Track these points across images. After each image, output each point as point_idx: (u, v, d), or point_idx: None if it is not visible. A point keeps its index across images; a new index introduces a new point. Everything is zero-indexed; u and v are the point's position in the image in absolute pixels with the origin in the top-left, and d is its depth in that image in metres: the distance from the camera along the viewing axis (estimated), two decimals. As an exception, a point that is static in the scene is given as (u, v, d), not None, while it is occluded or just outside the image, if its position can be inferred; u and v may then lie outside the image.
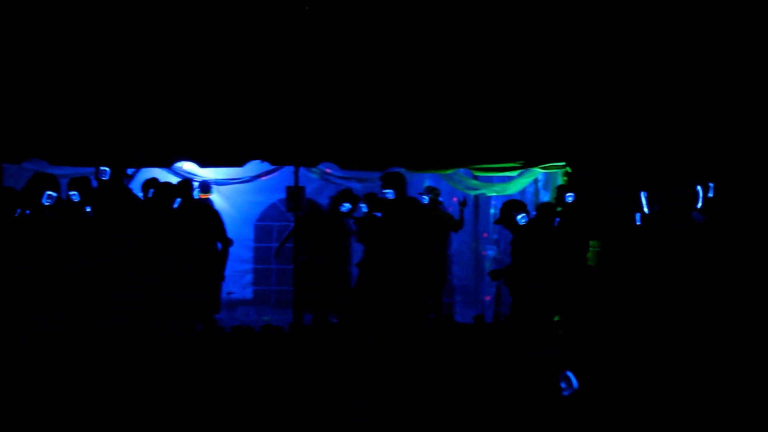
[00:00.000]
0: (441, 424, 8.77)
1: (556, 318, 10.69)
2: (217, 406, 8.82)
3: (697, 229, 8.96)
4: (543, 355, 9.37)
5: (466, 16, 12.76)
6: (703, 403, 7.93)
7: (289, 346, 10.08)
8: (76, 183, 11.13)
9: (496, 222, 11.58)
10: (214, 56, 12.17)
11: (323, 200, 13.31)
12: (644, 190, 9.53)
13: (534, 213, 11.63)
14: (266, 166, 12.40)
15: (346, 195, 11.92)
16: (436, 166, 12.21)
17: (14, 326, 9.85)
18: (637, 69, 12.37)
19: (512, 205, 11.12)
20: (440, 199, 12.37)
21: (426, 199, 12.15)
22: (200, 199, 12.03)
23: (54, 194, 10.55)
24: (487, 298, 13.37)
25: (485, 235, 13.60)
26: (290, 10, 12.73)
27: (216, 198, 12.97)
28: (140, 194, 11.56)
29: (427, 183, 13.08)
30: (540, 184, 12.66)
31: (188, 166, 12.48)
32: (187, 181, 11.59)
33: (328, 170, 12.75)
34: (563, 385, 8.26)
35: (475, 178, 12.75)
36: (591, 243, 11.31)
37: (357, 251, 12.22)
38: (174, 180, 11.90)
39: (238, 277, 14.07)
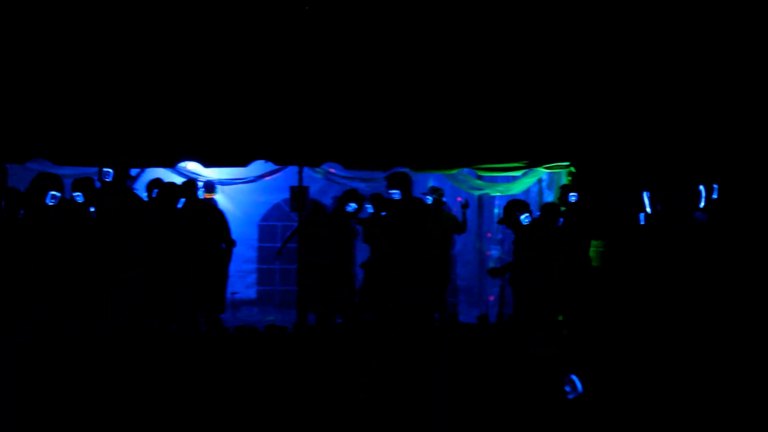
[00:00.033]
0: (441, 424, 8.77)
1: (560, 318, 10.67)
2: (217, 406, 8.83)
3: (700, 228, 8.96)
4: (543, 355, 9.36)
5: (470, 16, 12.73)
6: (707, 402, 7.92)
7: (292, 347, 10.08)
8: (80, 184, 11.13)
9: (500, 222, 11.57)
10: (218, 56, 12.16)
11: (327, 200, 13.31)
12: (647, 190, 9.53)
13: (538, 213, 11.62)
14: (270, 166, 12.41)
15: (352, 195, 11.92)
16: (440, 166, 12.19)
17: (14, 326, 9.87)
18: (642, 69, 12.34)
19: (515, 205, 11.12)
20: (444, 199, 12.35)
21: (430, 199, 12.14)
22: (205, 200, 12.03)
23: (58, 194, 10.58)
24: (491, 298, 13.36)
25: (489, 235, 13.59)
26: (294, 10, 12.72)
27: (220, 198, 12.97)
28: (145, 194, 11.58)
29: (431, 183, 13.06)
30: (544, 184, 12.64)
31: (192, 166, 12.50)
32: (191, 182, 11.59)
33: (332, 170, 12.75)
34: (568, 388, 8.27)
35: (479, 178, 12.74)
36: (594, 242, 11.29)
37: (361, 251, 12.21)
38: (178, 180, 11.91)
39: (242, 277, 14.06)
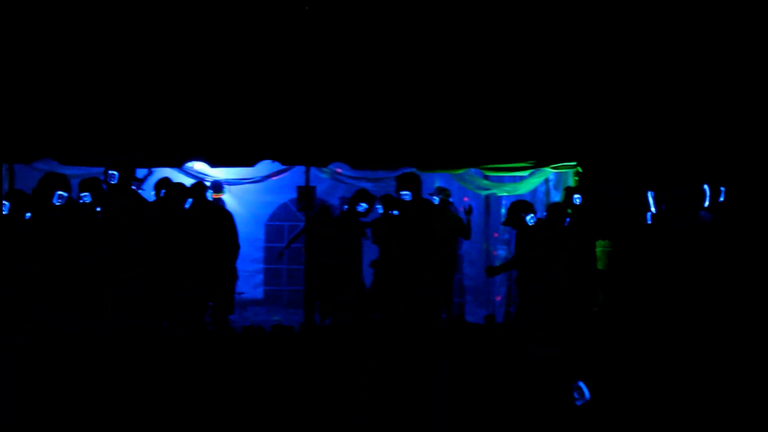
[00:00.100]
0: (441, 424, 8.76)
1: (565, 318, 10.65)
2: (217, 406, 8.82)
3: (706, 228, 8.93)
4: (543, 355, 9.35)
5: (477, 16, 12.72)
6: (714, 403, 7.89)
7: (298, 347, 10.07)
8: (87, 184, 11.13)
9: (505, 224, 11.54)
10: (225, 57, 12.17)
11: (334, 200, 13.32)
12: (653, 190, 9.51)
13: (545, 213, 11.60)
14: (277, 166, 12.39)
15: (363, 195, 11.91)
16: (447, 166, 12.18)
17: (14, 326, 9.87)
18: (648, 69, 12.32)
19: (521, 206, 11.10)
20: (450, 199, 12.34)
21: (437, 199, 12.13)
22: (214, 202, 12.02)
23: (65, 194, 10.59)
24: (498, 298, 13.34)
25: (496, 235, 13.56)
26: (301, 10, 12.72)
27: (227, 198, 12.98)
28: (152, 195, 11.58)
29: (437, 183, 13.04)
30: (551, 184, 12.62)
31: (199, 166, 12.50)
32: (200, 184, 11.58)
33: (339, 170, 12.73)
34: (576, 395, 8.25)
35: (486, 178, 12.72)
36: (601, 243, 11.27)
37: (369, 251, 12.19)
38: (186, 181, 11.92)
39: (248, 276, 14.07)
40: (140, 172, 12.49)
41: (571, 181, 11.96)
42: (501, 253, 13.30)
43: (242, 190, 13.67)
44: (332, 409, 8.82)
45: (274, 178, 13.04)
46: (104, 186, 11.21)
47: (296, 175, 12.56)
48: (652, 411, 8.08)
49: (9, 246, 10.08)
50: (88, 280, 10.39)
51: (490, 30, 12.74)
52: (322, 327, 11.80)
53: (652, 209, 10.07)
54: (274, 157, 11.91)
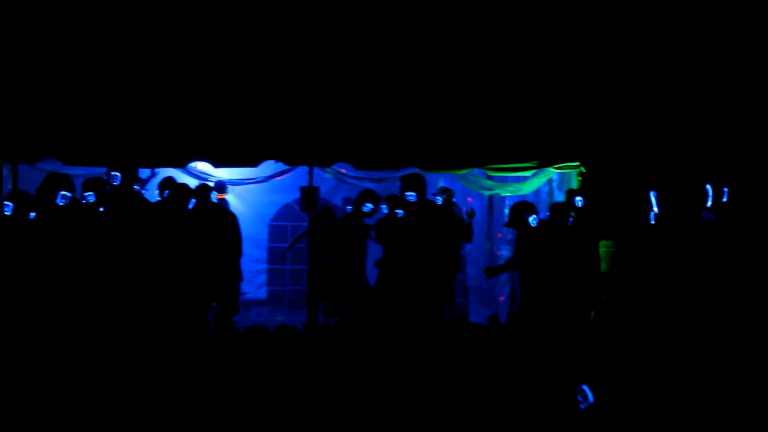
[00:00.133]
0: (441, 424, 8.76)
1: (566, 318, 10.64)
2: (217, 406, 8.83)
3: (708, 228, 8.90)
4: (543, 355, 9.35)
5: (480, 16, 12.71)
6: (718, 403, 7.88)
7: (302, 347, 10.07)
8: (91, 183, 11.14)
9: (507, 224, 11.52)
10: (228, 57, 12.17)
11: (337, 200, 13.31)
12: (655, 190, 9.48)
13: (548, 214, 11.59)
14: (280, 166, 12.41)
15: (368, 195, 11.91)
16: (450, 166, 12.17)
17: (14, 326, 9.88)
18: (652, 69, 12.30)
19: (523, 207, 11.10)
20: (453, 199, 12.33)
21: (440, 199, 12.12)
22: (219, 204, 12.03)
23: (68, 194, 10.60)
24: (502, 298, 13.34)
25: (499, 235, 13.56)
26: (304, 10, 12.72)
27: (230, 198, 12.99)
28: (156, 196, 11.58)
29: (441, 183, 13.04)
30: (554, 184, 12.61)
31: (203, 167, 12.52)
32: (205, 185, 11.58)
33: (343, 170, 12.74)
34: (579, 398, 8.25)
35: (490, 178, 12.72)
36: (604, 243, 11.25)
37: (374, 251, 12.19)
38: (190, 180, 11.93)
39: (252, 277, 14.08)
40: (144, 173, 12.51)
41: (575, 182, 11.95)
42: (504, 253, 13.29)
43: (246, 190, 13.69)
44: (332, 409, 8.82)
45: (278, 178, 13.07)
46: (107, 187, 11.21)
47: (299, 175, 12.58)
48: (659, 413, 8.08)
49: (10, 246, 10.09)
50: (88, 280, 10.39)
51: (494, 30, 12.72)
52: (326, 327, 11.81)
53: (655, 209, 10.05)
54: (277, 157, 11.91)
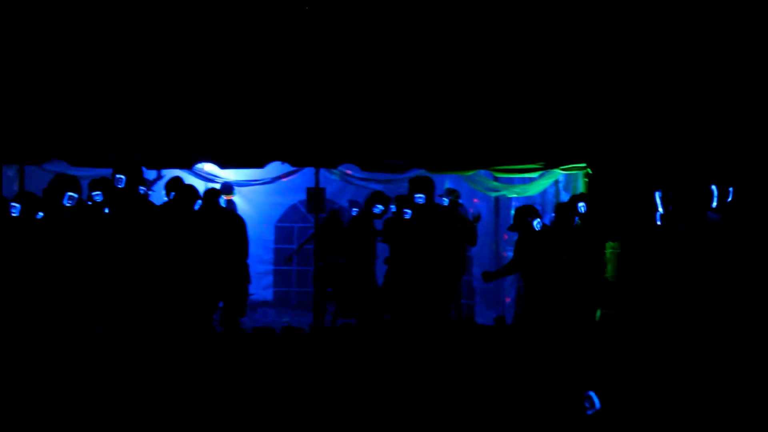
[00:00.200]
0: (441, 424, 8.75)
1: (566, 318, 10.61)
2: (216, 406, 8.83)
3: (713, 229, 8.88)
4: (543, 355, 9.33)
5: (485, 17, 12.71)
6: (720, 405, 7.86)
7: (308, 348, 10.07)
8: (99, 183, 11.17)
9: (511, 228, 11.48)
10: (234, 58, 12.18)
11: (343, 201, 13.31)
12: (660, 190, 9.44)
13: (553, 215, 11.57)
14: (287, 167, 12.41)
15: (379, 197, 11.91)
16: (456, 167, 12.16)
17: (14, 326, 9.88)
18: (659, 70, 12.28)
19: (527, 211, 11.10)
20: (460, 200, 12.32)
21: (446, 201, 12.11)
22: (227, 208, 12.04)
23: (75, 195, 10.62)
24: (508, 299, 13.32)
25: (505, 236, 13.54)
26: (310, 12, 12.73)
27: (237, 199, 13.00)
28: (164, 195, 11.59)
29: (447, 185, 13.03)
30: (561, 185, 12.59)
31: (209, 168, 12.53)
32: (213, 190, 11.58)
33: (349, 171, 12.75)
34: (586, 404, 8.24)
35: (496, 179, 12.71)
36: (610, 245, 11.22)
37: (383, 252, 12.19)
38: (196, 182, 11.94)
39: (258, 278, 14.07)
40: (150, 175, 12.51)
41: (581, 183, 11.92)
42: (510, 254, 13.27)
43: (252, 191, 13.71)
44: (332, 409, 8.82)
45: (284, 180, 13.08)
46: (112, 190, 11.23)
47: (306, 176, 12.58)
48: (667, 417, 8.05)
49: (11, 246, 10.11)
50: (88, 280, 10.39)
51: (500, 31, 12.72)
52: (333, 329, 11.81)
53: (660, 209, 10.01)
54: (283, 159, 11.91)
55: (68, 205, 10.56)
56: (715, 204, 9.02)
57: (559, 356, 9.26)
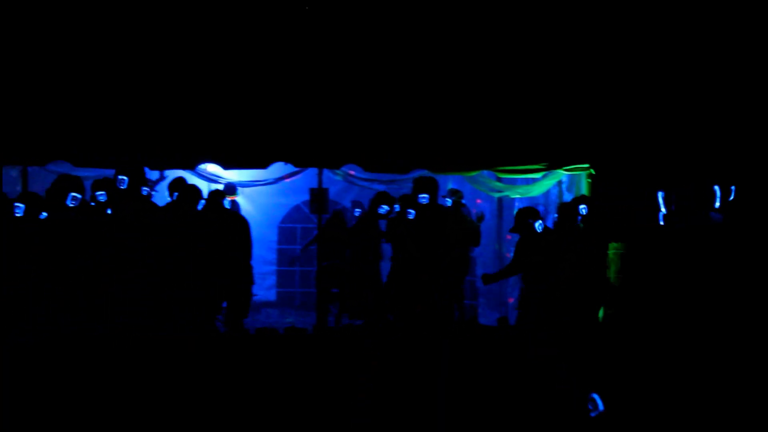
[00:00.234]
0: (441, 424, 8.75)
1: (566, 318, 10.61)
2: (215, 406, 8.83)
3: (716, 230, 8.87)
4: (543, 355, 9.33)
5: (489, 18, 12.71)
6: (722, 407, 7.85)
7: (311, 349, 10.07)
8: (102, 184, 11.19)
9: (512, 230, 11.47)
10: (237, 59, 12.19)
11: (346, 202, 13.31)
12: (663, 190, 9.44)
13: (556, 215, 11.57)
14: (290, 168, 12.40)
15: (384, 197, 11.91)
16: (459, 168, 12.14)
17: (14, 326, 9.89)
18: (661, 70, 12.28)
19: (528, 213, 11.09)
20: (463, 201, 12.31)
21: (449, 201, 12.11)
22: (231, 209, 12.04)
23: (78, 196, 10.63)
24: (511, 300, 13.31)
25: (509, 237, 13.52)
26: (314, 13, 12.74)
27: (240, 200, 13.01)
28: (167, 196, 11.60)
29: (450, 185, 13.03)
30: (564, 186, 12.58)
31: (212, 169, 12.53)
32: (218, 191, 11.58)
33: (352, 172, 12.75)
34: (590, 406, 8.24)
35: (499, 180, 12.70)
36: (614, 245, 11.21)
37: (389, 251, 12.19)
38: (199, 183, 11.94)
39: (261, 279, 14.08)
40: (153, 175, 12.52)
41: (584, 183, 11.91)
42: (513, 255, 13.29)
43: (255, 192, 13.71)
44: (332, 409, 8.82)
45: (287, 180, 13.08)
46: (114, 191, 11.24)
47: (309, 177, 12.59)
48: (670, 418, 8.05)
49: (12, 246, 10.13)
50: (88, 280, 10.39)
51: (504, 32, 12.72)
52: (336, 329, 11.81)
53: (663, 209, 10.00)
54: (286, 159, 11.90)
55: (71, 205, 10.57)
56: (717, 204, 9.01)
57: (559, 356, 9.26)
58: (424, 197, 11.34)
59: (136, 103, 11.62)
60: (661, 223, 10.20)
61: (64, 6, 12.08)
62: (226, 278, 11.09)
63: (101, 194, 11.03)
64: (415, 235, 11.29)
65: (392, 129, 11.89)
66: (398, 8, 12.68)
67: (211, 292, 10.94)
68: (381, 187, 12.73)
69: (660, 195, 9.69)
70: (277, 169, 12.50)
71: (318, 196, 12.11)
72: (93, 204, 11.08)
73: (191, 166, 12.09)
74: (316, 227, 12.56)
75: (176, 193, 11.22)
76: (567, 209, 11.30)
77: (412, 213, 11.42)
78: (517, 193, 12.87)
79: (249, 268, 11.65)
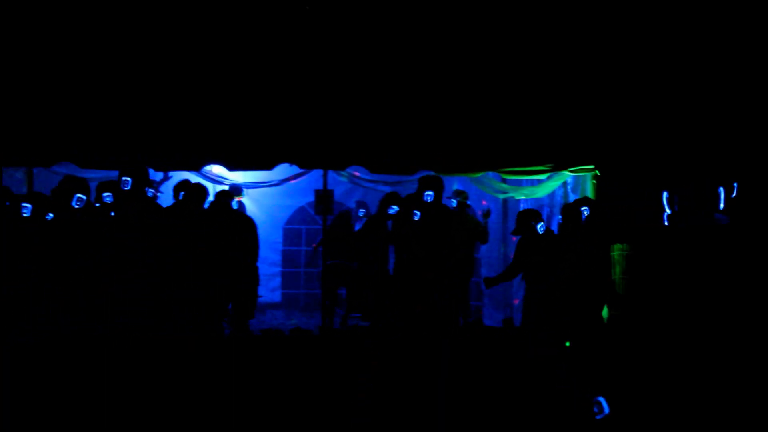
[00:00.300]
0: (441, 424, 8.75)
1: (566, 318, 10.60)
2: (215, 406, 8.83)
3: (721, 230, 8.86)
4: (543, 355, 9.33)
5: (495, 20, 12.71)
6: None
7: (315, 350, 10.07)
8: (108, 185, 11.21)
9: (514, 233, 11.46)
10: (243, 60, 12.20)
11: (351, 203, 13.30)
12: (667, 191, 9.45)
13: (560, 217, 11.56)
14: (295, 169, 12.40)
15: (394, 198, 11.90)
16: (465, 169, 12.13)
17: (14, 326, 9.91)
18: (667, 73, 12.27)
19: (530, 215, 11.12)
20: (468, 202, 12.30)
21: (454, 202, 12.10)
22: (238, 210, 12.04)
23: (84, 197, 10.67)
24: (516, 301, 13.28)
25: (514, 239, 13.52)
26: (320, 15, 12.75)
27: (245, 201, 13.01)
28: (171, 198, 11.61)
29: (455, 186, 13.01)
30: (569, 187, 12.55)
31: (217, 170, 12.53)
32: (225, 192, 11.58)
33: (357, 173, 12.74)
34: (595, 409, 8.25)
35: (504, 181, 12.68)
36: (618, 246, 11.20)
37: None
38: (204, 184, 11.94)
39: (266, 280, 14.05)
40: (157, 177, 12.51)
41: (589, 185, 11.90)
42: (518, 257, 13.26)
43: (260, 193, 13.71)
44: (332, 409, 8.83)
45: (292, 182, 13.06)
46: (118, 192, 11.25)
47: (314, 178, 12.57)
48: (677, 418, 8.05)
49: (14, 246, 10.15)
50: (88, 280, 10.40)
51: (509, 34, 12.72)
52: (341, 330, 11.81)
53: (667, 210, 10.01)
54: (292, 161, 11.90)
55: (77, 206, 10.60)
56: (722, 206, 9.01)
57: (559, 356, 9.26)
58: (429, 194, 11.36)
59: (141, 104, 11.64)
60: (666, 223, 10.20)
61: (71, 8, 12.10)
62: (229, 279, 11.08)
63: (107, 196, 11.05)
64: (420, 235, 11.29)
65: (397, 130, 11.90)
66: (404, 10, 12.68)
67: (212, 293, 10.93)
68: (386, 189, 12.72)
69: (664, 196, 9.69)
70: (282, 170, 12.49)
71: (323, 197, 12.10)
72: (98, 205, 11.08)
73: (196, 168, 12.08)
74: (321, 229, 12.54)
75: (182, 193, 11.23)
76: (570, 210, 11.28)
77: (417, 214, 11.41)
78: (522, 195, 12.84)
79: (255, 269, 11.64)
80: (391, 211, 11.83)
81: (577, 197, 12.06)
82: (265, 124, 11.76)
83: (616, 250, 11.19)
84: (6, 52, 11.74)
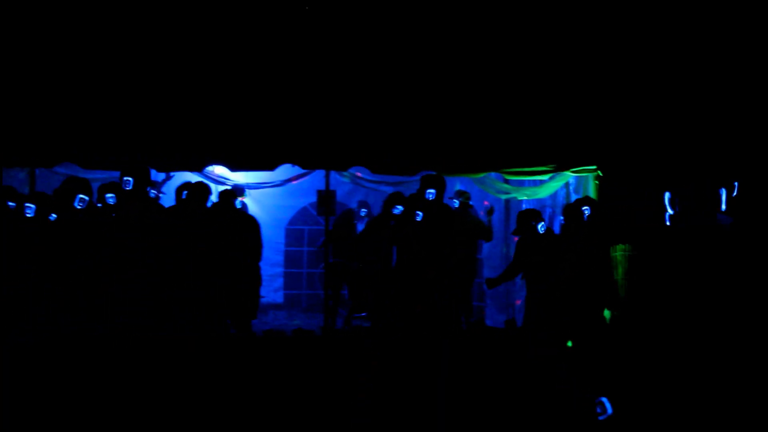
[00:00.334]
0: (441, 424, 8.75)
1: (566, 318, 10.60)
2: (214, 406, 8.84)
3: (724, 231, 8.86)
4: (543, 355, 9.33)
5: (497, 21, 12.71)
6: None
7: (317, 350, 10.07)
8: (110, 186, 11.22)
9: (515, 233, 11.46)
10: (245, 61, 12.20)
11: (353, 204, 13.30)
12: (669, 192, 9.45)
13: (561, 217, 11.55)
14: (297, 169, 12.40)
15: (398, 198, 11.90)
16: (467, 169, 12.13)
17: (14, 326, 9.92)
18: (670, 73, 12.25)
19: (531, 215, 11.13)
20: (470, 202, 12.30)
21: (456, 202, 12.09)
22: (241, 210, 12.05)
23: (86, 198, 10.68)
24: (518, 302, 13.27)
25: (515, 238, 13.51)
26: (322, 15, 12.75)
27: (247, 202, 13.01)
28: (172, 199, 11.61)
29: (457, 187, 13.01)
30: (571, 188, 12.55)
31: (219, 170, 12.53)
32: (228, 191, 11.58)
33: (359, 174, 12.74)
34: (598, 410, 8.25)
35: (506, 182, 12.67)
36: (621, 247, 11.19)
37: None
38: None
39: (269, 281, 14.06)
40: (159, 177, 12.52)
41: (592, 185, 11.89)
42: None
43: (262, 194, 13.71)
44: (332, 409, 8.83)
45: (294, 182, 13.07)
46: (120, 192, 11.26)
47: (316, 178, 12.57)
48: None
49: (15, 245, 10.16)
50: (88, 280, 10.41)
51: (511, 34, 12.71)
52: (345, 330, 11.81)
53: (668, 210, 10.00)
54: (294, 161, 11.89)
55: (79, 207, 10.61)
56: (724, 207, 9.01)
57: (559, 356, 9.25)
58: (431, 192, 11.37)
59: (143, 105, 11.64)
60: (668, 224, 10.19)
61: (72, 9, 12.11)
62: (229, 279, 11.08)
63: (110, 197, 11.06)
64: (421, 235, 11.29)
65: (399, 131, 11.90)
66: (406, 11, 12.68)
67: (212, 293, 10.93)
68: (388, 189, 12.73)
69: (666, 196, 9.69)
70: (285, 171, 12.50)
71: (325, 198, 12.10)
72: (100, 206, 11.09)
73: (198, 168, 12.09)
74: (323, 229, 12.54)
75: (185, 192, 11.24)
76: (571, 210, 11.28)
77: (419, 215, 11.41)
78: (524, 195, 12.83)
79: (257, 270, 11.64)
80: (395, 211, 11.82)
81: (579, 197, 12.06)
82: (267, 125, 11.76)
83: (619, 251, 11.19)
84: (8, 53, 11.75)
